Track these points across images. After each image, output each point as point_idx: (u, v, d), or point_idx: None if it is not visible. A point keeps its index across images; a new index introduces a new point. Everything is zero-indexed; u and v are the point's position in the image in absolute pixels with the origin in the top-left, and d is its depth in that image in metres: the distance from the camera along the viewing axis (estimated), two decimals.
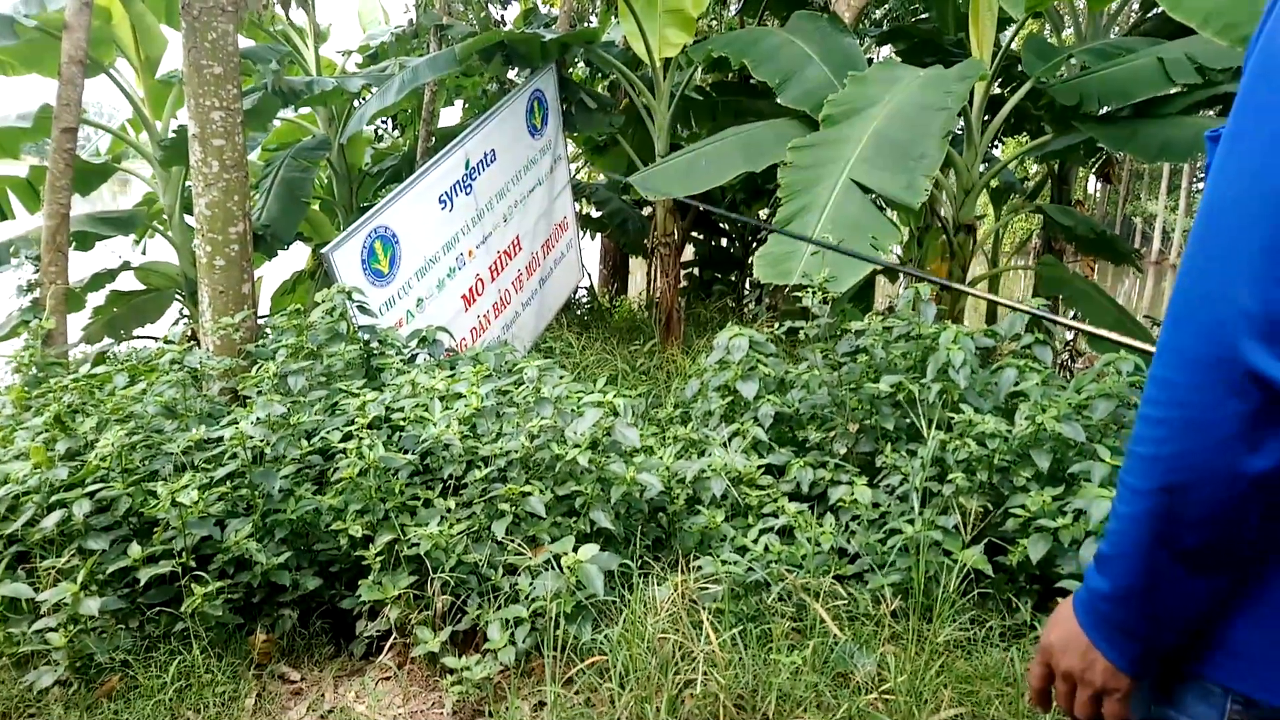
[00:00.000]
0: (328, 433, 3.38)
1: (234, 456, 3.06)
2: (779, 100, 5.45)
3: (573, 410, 3.45)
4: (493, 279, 6.64)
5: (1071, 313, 5.72)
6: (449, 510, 3.16)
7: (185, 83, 4.42)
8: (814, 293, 3.70)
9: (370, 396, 3.47)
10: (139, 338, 7.57)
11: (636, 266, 13.85)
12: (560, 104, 7.24)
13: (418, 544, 3.01)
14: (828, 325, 3.74)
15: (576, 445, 3.25)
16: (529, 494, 3.07)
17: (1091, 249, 6.80)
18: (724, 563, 2.99)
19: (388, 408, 3.50)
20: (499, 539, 3.04)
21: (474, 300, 6.42)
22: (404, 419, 3.43)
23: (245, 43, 8.39)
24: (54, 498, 2.86)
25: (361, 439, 3.17)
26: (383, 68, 9.06)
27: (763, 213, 11.12)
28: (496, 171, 6.52)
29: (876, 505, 3.20)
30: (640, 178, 5.35)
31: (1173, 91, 5.06)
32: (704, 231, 11.04)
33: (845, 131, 4.64)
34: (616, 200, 10.57)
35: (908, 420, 3.54)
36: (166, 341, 4.15)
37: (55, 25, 6.35)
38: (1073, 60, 5.67)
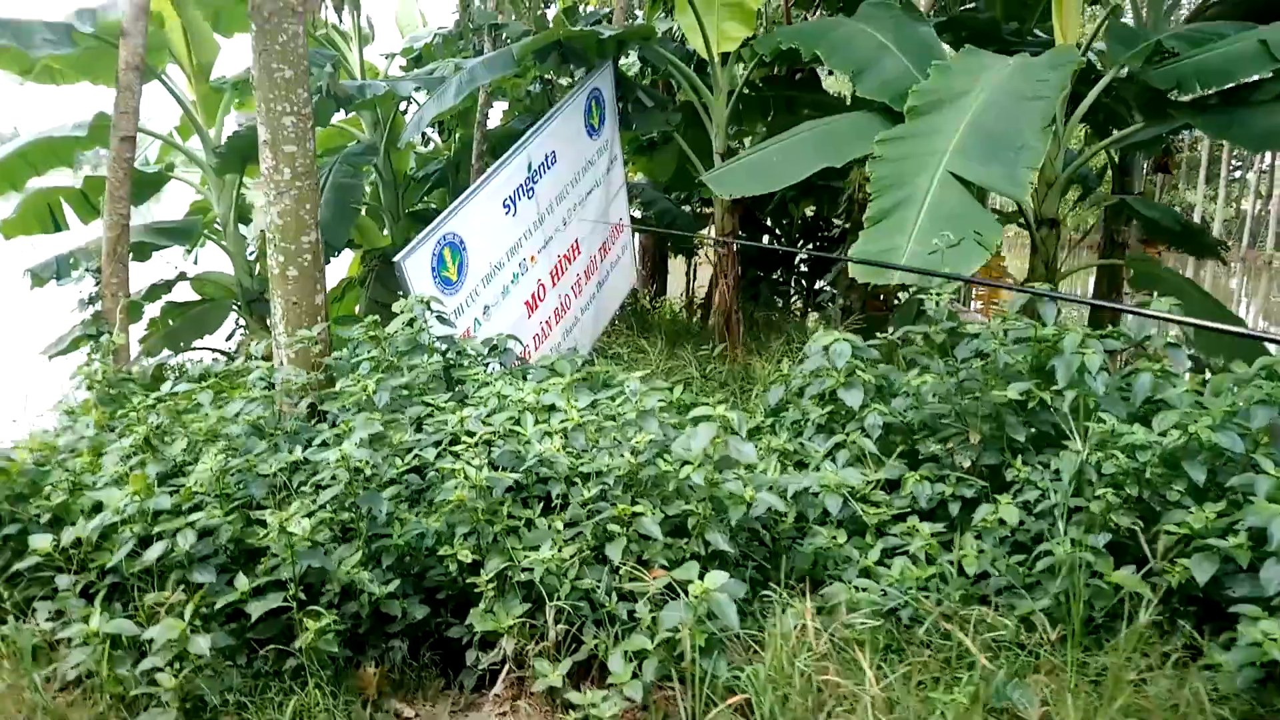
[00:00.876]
0: (421, 450, 3.24)
1: (334, 479, 2.92)
2: (857, 92, 5.24)
3: (675, 425, 3.28)
4: (553, 284, 6.49)
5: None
6: (558, 532, 3.00)
7: (255, 87, 4.29)
8: (935, 296, 3.50)
9: (466, 413, 3.32)
10: (198, 348, 7.50)
11: (675, 266, 13.68)
12: (617, 102, 7.08)
13: (529, 569, 2.86)
14: (944, 329, 3.53)
15: (685, 462, 3.08)
16: (642, 514, 2.90)
17: (1176, 242, 6.53)
18: (857, 589, 2.80)
19: (482, 423, 3.35)
20: (614, 563, 2.88)
21: (536, 306, 6.27)
22: (494, 434, 3.28)
23: None
24: (157, 528, 2.73)
25: (463, 458, 3.02)
26: (430, 70, 8.95)
27: (809, 210, 10.91)
28: (557, 174, 6.37)
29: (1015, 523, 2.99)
30: (713, 176, 5.17)
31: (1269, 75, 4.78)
32: (747, 229, 10.82)
33: (936, 123, 4.43)
34: (664, 200, 10.39)
35: (1032, 430, 3.33)
36: (249, 358, 4.02)
37: (110, 32, 6.28)
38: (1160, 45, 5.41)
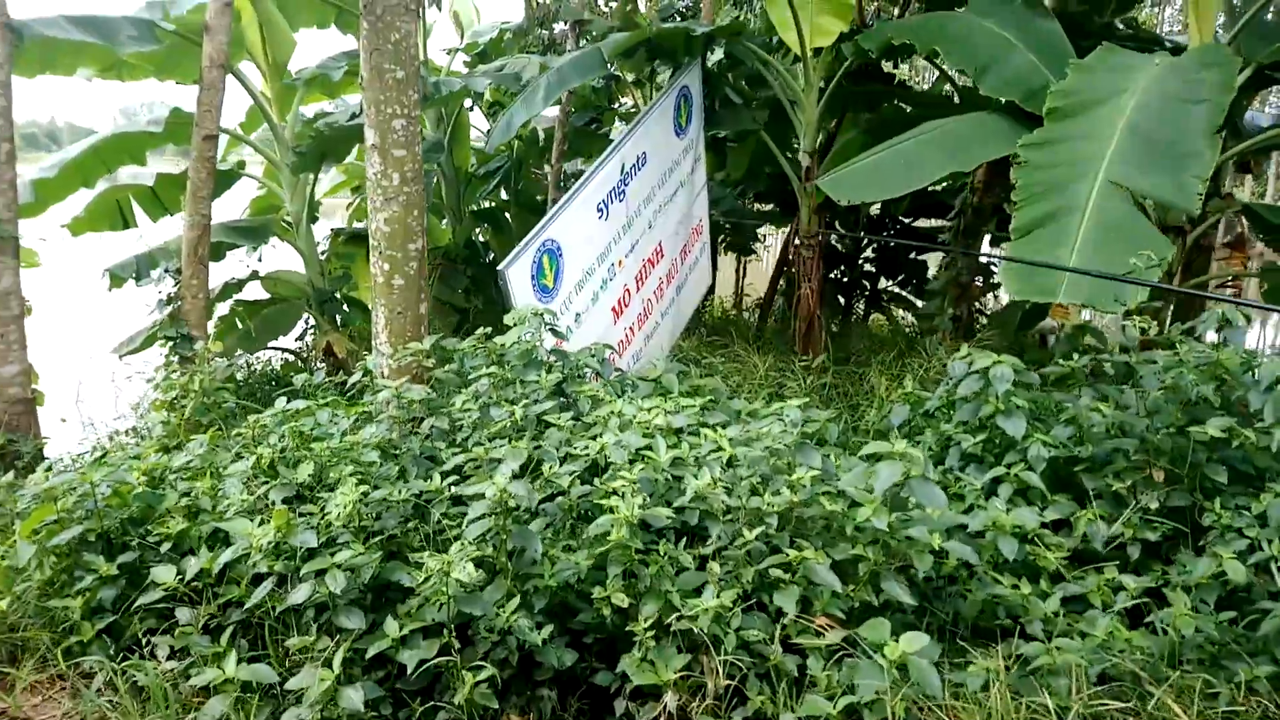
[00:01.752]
0: (556, 477, 3.02)
1: (484, 514, 2.70)
2: (980, 90, 4.94)
3: (834, 458, 3.04)
4: (638, 289, 6.26)
5: None
6: (716, 576, 2.77)
7: (365, 88, 4.09)
8: (1135, 320, 3.22)
9: (606, 438, 3.09)
10: (274, 349, 7.38)
11: (725, 264, 13.40)
12: (703, 100, 6.82)
13: (690, 616, 2.64)
14: (1120, 356, 3.24)
15: (853, 502, 2.84)
16: (812, 560, 2.66)
17: None
18: (1056, 648, 2.53)
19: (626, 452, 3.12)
20: (785, 615, 2.64)
21: (621, 312, 6.05)
22: (642, 463, 3.05)
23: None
24: (303, 567, 2.53)
25: (619, 491, 2.79)
26: (499, 66, 8.74)
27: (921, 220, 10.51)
28: (646, 175, 6.13)
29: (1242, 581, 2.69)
30: (832, 181, 4.91)
31: None
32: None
33: (1085, 127, 4.13)
34: (731, 198, 10.12)
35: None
36: (366, 373, 3.82)
37: (192, 29, 6.15)
38: None
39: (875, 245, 10.34)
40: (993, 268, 7.08)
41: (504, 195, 10.93)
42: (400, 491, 2.95)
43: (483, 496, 2.59)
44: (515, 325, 4.15)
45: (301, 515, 2.86)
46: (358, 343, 7.38)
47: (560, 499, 3.07)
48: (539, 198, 11.34)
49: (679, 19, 7.78)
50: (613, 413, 3.58)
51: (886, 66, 8.67)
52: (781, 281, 10.69)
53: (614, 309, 5.92)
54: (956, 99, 7.03)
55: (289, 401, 3.67)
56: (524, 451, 2.91)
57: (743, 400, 4.57)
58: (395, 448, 3.31)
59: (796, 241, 7.08)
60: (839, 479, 2.95)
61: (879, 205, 10.50)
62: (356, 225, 9.19)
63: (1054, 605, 2.86)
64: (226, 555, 2.70)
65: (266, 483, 3.05)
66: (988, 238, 7.21)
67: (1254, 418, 3.16)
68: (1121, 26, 7.13)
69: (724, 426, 3.57)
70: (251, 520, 2.77)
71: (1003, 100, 4.88)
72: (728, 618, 2.65)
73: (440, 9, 8.14)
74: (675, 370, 4.54)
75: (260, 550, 2.57)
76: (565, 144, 7.44)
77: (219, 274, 7.28)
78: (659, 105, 6.18)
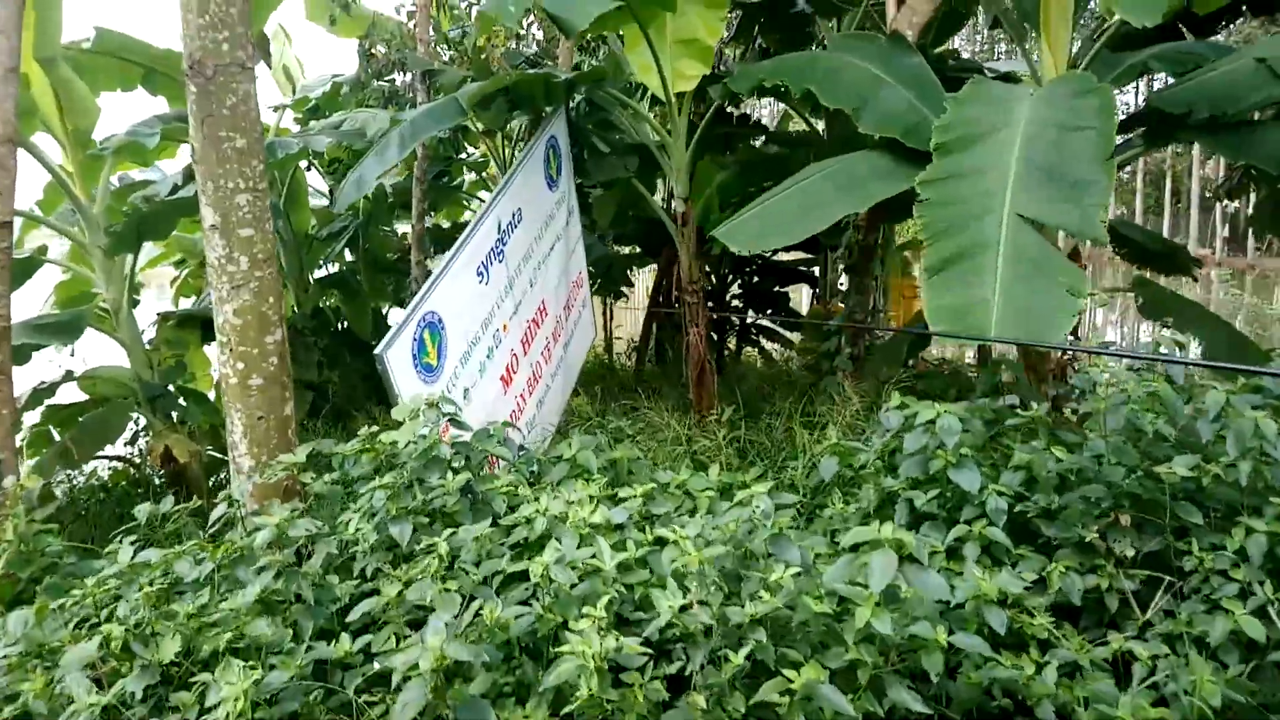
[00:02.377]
0: (500, 624, 2.52)
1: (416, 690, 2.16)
2: (860, 128, 4.85)
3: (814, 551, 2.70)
4: (525, 352, 5.80)
5: (1194, 342, 5.30)
6: (704, 711, 2.36)
7: (198, 161, 3.47)
8: (1097, 366, 3.08)
9: (546, 557, 2.62)
10: (101, 458, 6.33)
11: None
12: (571, 150, 6.49)
13: None
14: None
15: (845, 601, 2.51)
16: (814, 681, 2.30)
17: (1153, 262, 6.51)
18: None
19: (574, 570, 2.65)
20: None
21: (511, 380, 5.57)
22: (569, 584, 2.59)
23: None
24: None
25: (575, 627, 2.33)
26: (337, 122, 8.08)
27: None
28: (523, 232, 5.72)
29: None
30: (726, 231, 4.66)
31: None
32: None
33: (977, 160, 4.08)
34: (599, 245, 9.83)
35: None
36: (230, 502, 3.15)
37: None
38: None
39: (740, 280, 10.33)
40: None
41: (349, 257, 10.19)
42: (299, 662, 2.35)
43: (416, 669, 2.06)
44: (407, 419, 3.60)
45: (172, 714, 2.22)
46: (200, 442, 6.48)
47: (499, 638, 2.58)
48: (391, 256, 10.66)
49: (528, 66, 7.43)
50: (538, 512, 3.11)
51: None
52: (653, 325, 10.51)
53: (502, 378, 5.43)
54: (825, 135, 7.06)
55: (133, 546, 2.96)
56: (455, 597, 2.39)
57: (666, 470, 4.20)
58: (279, 597, 2.69)
59: (677, 290, 6.83)
60: (819, 574, 2.62)
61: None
62: (185, 304, 8.22)
63: (1051, 677, 2.64)
64: None
65: (118, 670, 2.37)
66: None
67: (1200, 450, 3.10)
68: (953, 60, 7.41)
69: (672, 520, 3.20)
70: None
71: (876, 136, 4.83)
72: None
73: (270, 65, 7.43)
74: (590, 445, 4.11)
75: None
76: (426, 200, 6.89)
77: (25, 379, 6.20)
78: (529, 158, 5.79)
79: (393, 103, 10.24)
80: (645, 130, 6.66)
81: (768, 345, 10.80)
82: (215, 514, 3.13)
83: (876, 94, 5.03)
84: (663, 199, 8.73)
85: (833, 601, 2.57)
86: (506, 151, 9.95)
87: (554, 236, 6.30)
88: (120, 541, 3.12)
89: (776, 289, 10.32)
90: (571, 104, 6.75)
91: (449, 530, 2.88)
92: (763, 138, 8.55)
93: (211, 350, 7.87)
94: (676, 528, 2.71)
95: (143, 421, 6.70)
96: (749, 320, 10.60)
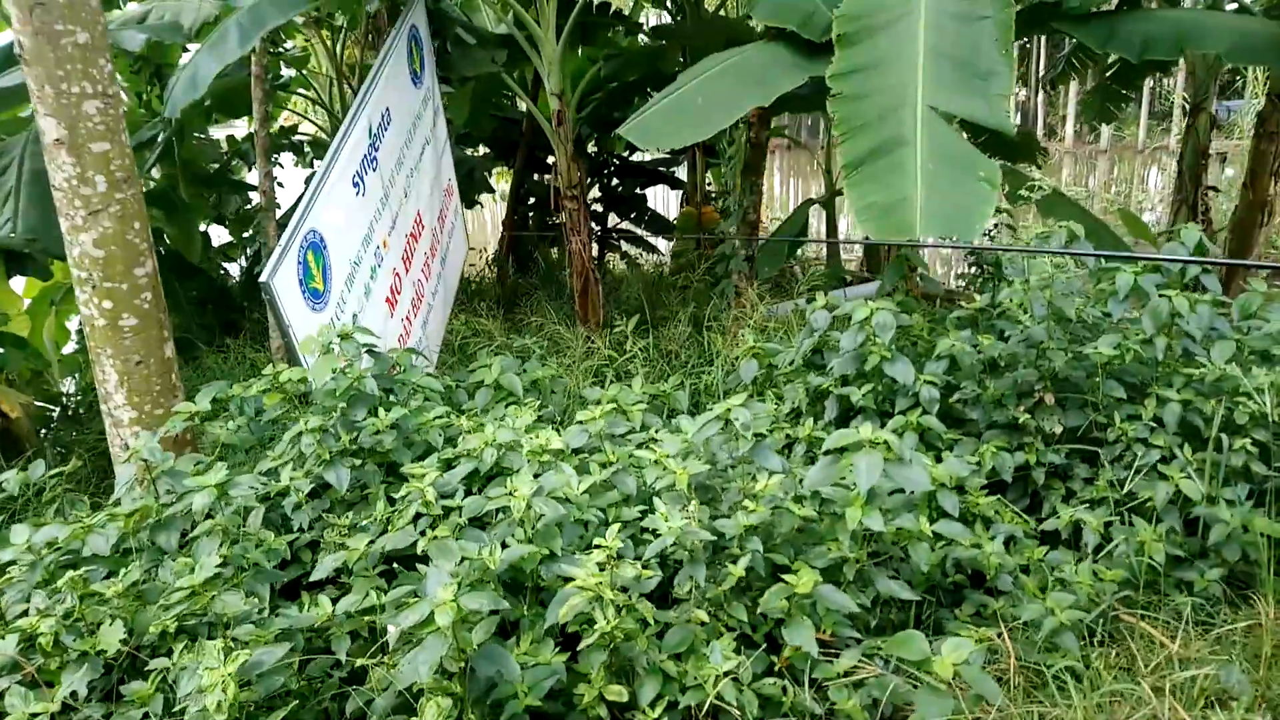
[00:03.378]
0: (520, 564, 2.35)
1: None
2: (751, 19, 4.72)
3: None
4: (406, 270, 5.42)
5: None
6: (701, 624, 2.34)
7: (30, 63, 2.85)
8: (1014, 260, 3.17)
9: (522, 489, 2.46)
10: None
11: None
12: (433, 42, 5.94)
13: (696, 686, 2.20)
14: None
15: (827, 502, 2.54)
16: (820, 583, 2.32)
17: (1005, 152, 6.85)
18: (1049, 609, 2.44)
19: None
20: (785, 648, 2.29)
21: (396, 301, 5.20)
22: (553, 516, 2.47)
23: None
24: None
25: (596, 564, 2.21)
26: (142, 14, 6.98)
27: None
28: (393, 135, 5.23)
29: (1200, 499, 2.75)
30: (634, 127, 4.43)
31: None
32: (538, 170, 10.03)
33: (882, 52, 4.06)
34: (454, 148, 9.21)
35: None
36: (144, 463, 2.76)
37: None
38: None
39: (598, 183, 10.07)
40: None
41: (160, 170, 9.04)
42: (272, 633, 2.12)
43: (432, 623, 1.89)
44: (319, 353, 3.26)
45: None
46: (31, 392, 5.67)
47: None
48: (210, 167, 9.57)
49: None
50: (484, 443, 2.92)
51: None
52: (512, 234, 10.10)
53: (387, 299, 5.05)
54: (710, 29, 6.81)
55: (18, 526, 2.54)
56: (451, 544, 2.20)
57: (593, 387, 4.08)
58: (224, 561, 2.40)
59: (559, 190, 6.53)
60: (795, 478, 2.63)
61: (594, 144, 10.20)
62: None
63: (998, 548, 2.82)
64: None
65: (47, 668, 2.03)
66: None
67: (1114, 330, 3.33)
68: None
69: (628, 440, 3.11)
70: None
71: (757, 27, 4.71)
72: (740, 674, 2.24)
73: None
74: (511, 367, 3.91)
75: None
76: (267, 102, 6.14)
77: None
78: (392, 51, 5.23)
79: None
80: (510, 20, 6.19)
81: (628, 250, 10.67)
82: (122, 476, 2.72)
83: None
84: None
85: (814, 504, 2.60)
86: (338, 46, 9.04)
87: (423, 140, 5.82)
88: None
89: (637, 190, 10.15)
90: None
91: (424, 468, 2.64)
92: (622, 29, 8.21)
93: (18, 284, 6.84)
94: (653, 447, 2.62)
95: None
96: (609, 226, 10.39)
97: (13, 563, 2.31)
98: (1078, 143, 25.38)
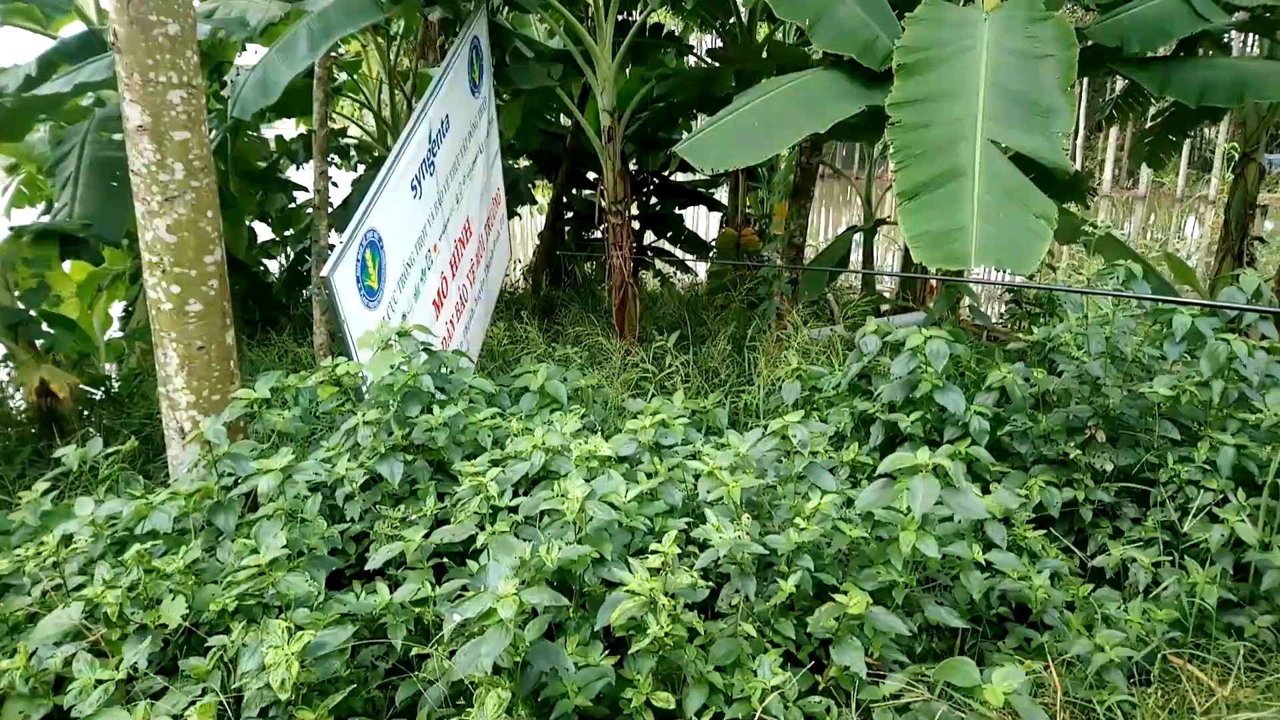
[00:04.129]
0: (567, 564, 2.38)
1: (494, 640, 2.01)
2: (813, 43, 4.75)
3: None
4: (453, 274, 5.49)
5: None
6: (749, 639, 2.35)
7: (123, 50, 2.95)
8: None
9: (575, 492, 2.49)
10: None
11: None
12: (492, 53, 6.05)
13: (743, 699, 2.20)
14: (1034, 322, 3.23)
15: (875, 522, 2.55)
16: (868, 605, 2.32)
17: (1053, 190, 6.84)
18: (1102, 646, 2.43)
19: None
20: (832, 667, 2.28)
21: (441, 304, 5.26)
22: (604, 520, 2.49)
23: None
24: None
25: (635, 569, 2.23)
26: (209, 10, 7.18)
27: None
28: (450, 142, 5.33)
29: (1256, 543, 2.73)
30: (689, 147, 4.48)
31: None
32: (578, 186, 10.12)
33: (945, 84, 4.08)
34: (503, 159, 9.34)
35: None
36: (207, 444, 2.82)
37: None
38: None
39: (637, 201, 10.14)
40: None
41: (219, 166, 9.24)
42: (331, 617, 2.15)
43: (495, 616, 1.91)
44: (377, 350, 3.32)
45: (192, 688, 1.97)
46: (78, 374, 5.79)
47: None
48: (259, 165, 9.76)
49: None
50: (534, 446, 2.96)
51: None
52: (552, 246, 10.18)
53: (434, 302, 5.11)
54: (765, 54, 6.88)
55: (83, 498, 2.59)
56: (512, 540, 2.23)
57: (634, 399, 4.11)
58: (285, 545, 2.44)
59: (603, 205, 6.61)
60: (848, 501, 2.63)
61: (635, 162, 10.29)
62: (42, 219, 7.24)
63: (1044, 582, 2.80)
64: None
65: (109, 638, 2.08)
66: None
67: (1167, 372, 3.31)
68: None
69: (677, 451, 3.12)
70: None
71: (820, 54, 4.74)
72: (786, 690, 2.24)
73: None
74: (556, 374, 3.95)
75: None
76: (327, 105, 6.27)
77: None
78: (455, 59, 5.34)
79: None
80: (567, 36, 6.28)
81: (662, 268, 10.71)
82: (185, 457, 2.78)
83: (831, 9, 4.91)
84: None
85: (867, 526, 2.60)
86: (392, 53, 9.23)
87: (476, 148, 5.92)
88: (45, 492, 2.74)
89: (676, 210, 10.21)
90: (494, 2, 6.28)
91: (476, 467, 2.68)
92: (673, 50, 8.29)
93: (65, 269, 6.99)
94: (706, 458, 2.64)
95: (3, 352, 5.90)
96: (645, 244, 10.44)
97: (71, 536, 2.36)
98: (1115, 187, 25.26)
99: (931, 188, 3.77)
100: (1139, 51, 4.88)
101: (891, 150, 3.97)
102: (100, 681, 1.87)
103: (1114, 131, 23.32)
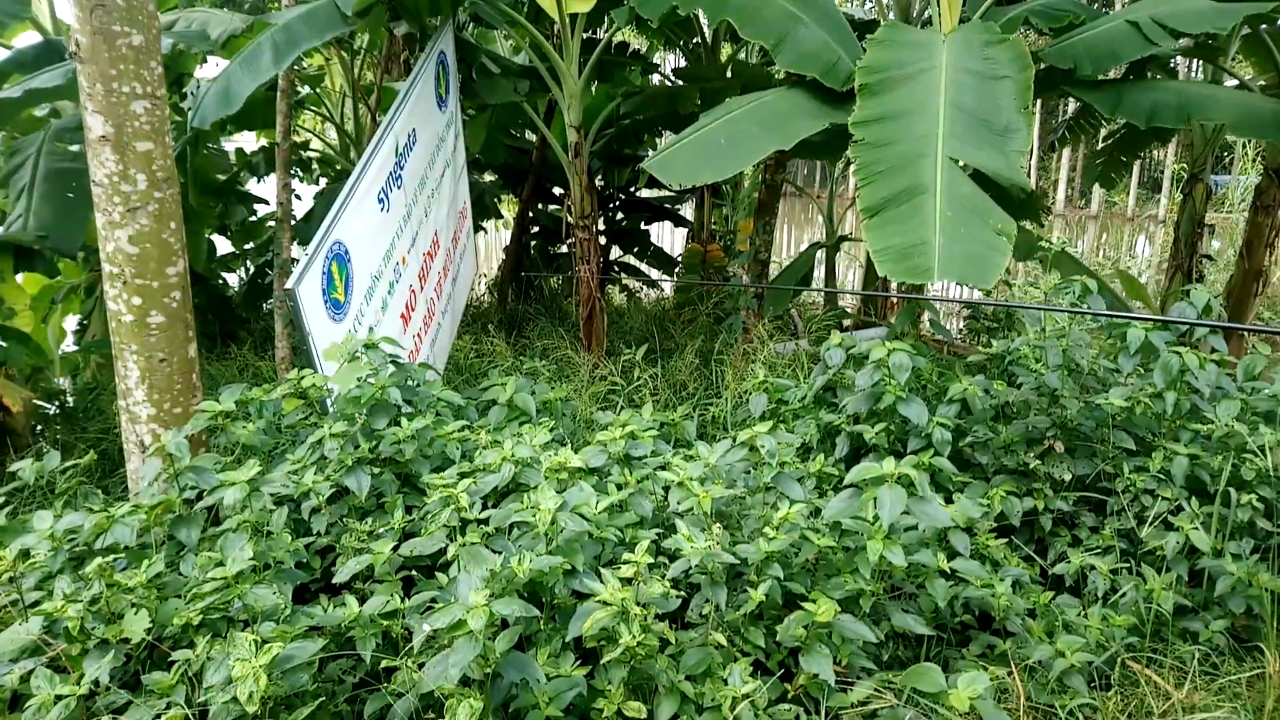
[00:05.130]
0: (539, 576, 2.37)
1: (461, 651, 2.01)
2: (776, 64, 4.85)
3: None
4: (421, 288, 5.47)
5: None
6: (719, 648, 2.36)
7: (85, 61, 2.91)
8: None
9: (546, 504, 2.49)
10: None
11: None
12: (458, 68, 6.06)
13: (713, 707, 2.21)
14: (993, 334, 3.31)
15: (847, 534, 2.58)
16: (835, 613, 2.35)
17: (1009, 208, 7.01)
18: (1059, 651, 2.48)
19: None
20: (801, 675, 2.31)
21: (409, 317, 5.24)
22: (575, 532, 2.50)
23: None
24: None
25: (620, 579, 2.24)
26: (169, 22, 7.09)
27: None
28: (418, 156, 5.32)
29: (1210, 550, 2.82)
30: (658, 162, 4.52)
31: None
32: (544, 201, 10.14)
33: (906, 103, 4.19)
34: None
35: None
36: (169, 459, 2.77)
37: None
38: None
39: (603, 216, 10.18)
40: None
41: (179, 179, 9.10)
42: (297, 630, 2.12)
43: (465, 627, 1.90)
44: (344, 363, 3.29)
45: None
46: (31, 388, 5.65)
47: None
48: (219, 178, 9.64)
49: None
50: (503, 458, 2.95)
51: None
52: (517, 260, 10.17)
53: (402, 315, 5.09)
54: (729, 73, 6.98)
55: (41, 512, 2.54)
56: (483, 551, 2.22)
57: (606, 411, 4.12)
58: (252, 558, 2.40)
59: (570, 220, 6.63)
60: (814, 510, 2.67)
61: (601, 177, 10.36)
62: None
63: (1006, 589, 2.86)
64: None
65: (76, 649, 2.03)
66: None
67: (1120, 384, 3.41)
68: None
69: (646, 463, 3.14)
70: None
71: (778, 73, 4.85)
72: (756, 698, 2.26)
73: None
74: (525, 387, 3.94)
75: None
76: (290, 118, 6.21)
77: None
78: (421, 74, 5.34)
79: (230, 3, 9.15)
80: (533, 53, 6.32)
81: (628, 283, 10.76)
82: (146, 470, 2.72)
83: (795, 31, 5.01)
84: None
85: (834, 535, 2.63)
86: (356, 67, 9.19)
87: (444, 162, 5.91)
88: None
89: (642, 225, 10.27)
90: (460, 18, 6.30)
91: (445, 480, 2.66)
92: (639, 68, 8.38)
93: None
94: (676, 469, 2.66)
95: None
96: (611, 258, 10.48)
97: (29, 550, 2.30)
98: (1069, 207, 25.94)
99: (895, 204, 3.85)
100: (1091, 74, 5.05)
101: (855, 167, 4.05)
102: (60, 697, 1.83)
103: (1066, 152, 24.01)
